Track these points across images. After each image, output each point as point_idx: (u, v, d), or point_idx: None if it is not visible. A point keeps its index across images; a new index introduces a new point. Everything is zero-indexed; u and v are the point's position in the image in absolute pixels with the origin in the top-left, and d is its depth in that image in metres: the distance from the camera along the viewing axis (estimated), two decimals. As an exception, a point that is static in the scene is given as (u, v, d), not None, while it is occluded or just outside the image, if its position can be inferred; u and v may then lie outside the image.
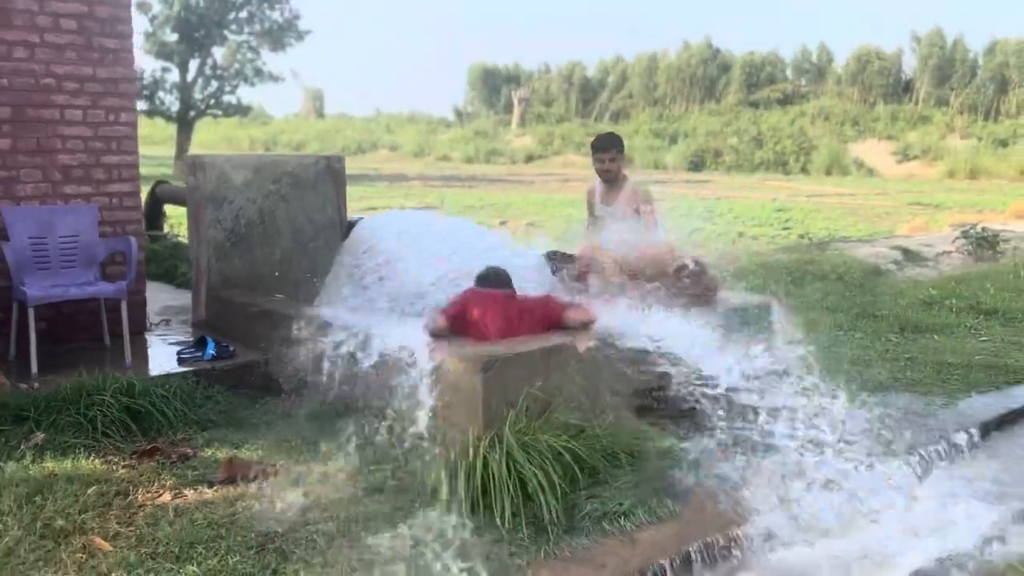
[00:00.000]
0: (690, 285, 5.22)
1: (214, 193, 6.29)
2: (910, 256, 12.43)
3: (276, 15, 35.54)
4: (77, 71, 5.91)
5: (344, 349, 4.77)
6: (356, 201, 22.46)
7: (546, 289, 5.33)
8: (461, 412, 4.18)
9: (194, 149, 41.65)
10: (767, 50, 56.67)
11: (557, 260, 5.79)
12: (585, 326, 4.65)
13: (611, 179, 5.91)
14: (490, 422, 4.03)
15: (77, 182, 5.99)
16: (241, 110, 37.70)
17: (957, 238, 12.82)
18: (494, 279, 4.85)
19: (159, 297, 7.71)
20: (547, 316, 4.70)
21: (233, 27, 35.27)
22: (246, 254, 6.46)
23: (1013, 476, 4.76)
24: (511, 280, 4.89)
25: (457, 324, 4.57)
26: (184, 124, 36.18)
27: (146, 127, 56.29)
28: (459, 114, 68.82)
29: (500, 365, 4.15)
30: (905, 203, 26.08)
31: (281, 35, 35.57)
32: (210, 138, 60.83)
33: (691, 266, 5.29)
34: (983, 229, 12.81)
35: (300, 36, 36.22)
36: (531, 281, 5.27)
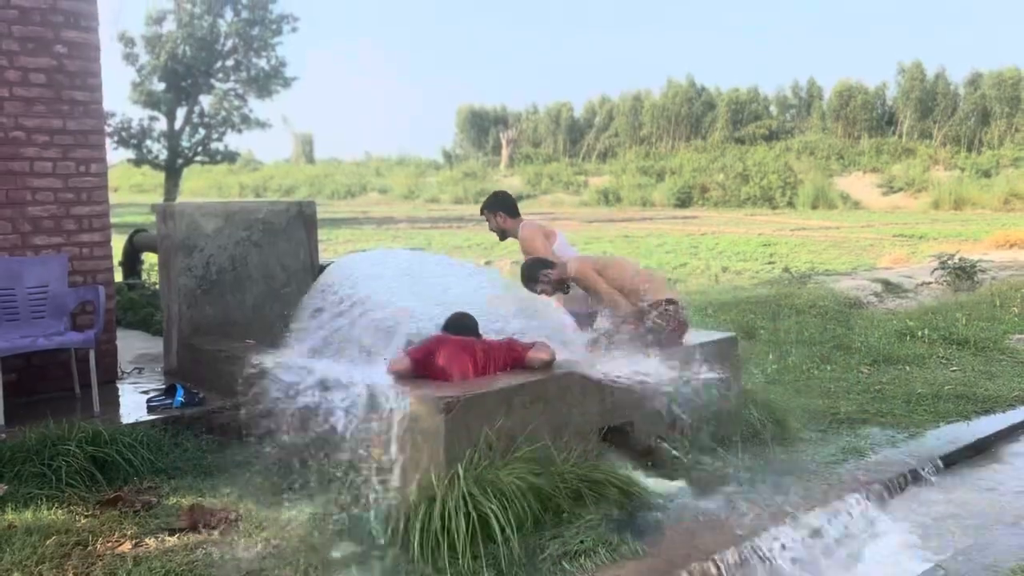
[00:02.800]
0: (663, 323, 5.25)
1: (184, 241, 6.33)
2: (890, 288, 12.50)
3: (262, 63, 35.92)
4: (47, 124, 5.97)
5: (308, 394, 4.79)
6: (343, 244, 22.58)
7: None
8: (423, 453, 4.20)
9: (184, 196, 41.80)
10: (750, 86, 57.04)
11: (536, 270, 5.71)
12: (547, 365, 4.70)
13: (502, 237, 6.37)
14: (452, 463, 4.04)
15: (47, 233, 6.03)
16: (229, 156, 37.95)
17: (936, 269, 12.91)
18: (460, 327, 4.88)
19: (135, 345, 7.72)
20: (510, 358, 4.74)
21: (220, 75, 35.61)
22: (217, 301, 6.48)
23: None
24: (477, 325, 4.94)
25: (422, 368, 4.60)
26: (172, 172, 36.36)
27: (136, 176, 56.75)
28: (448, 156, 69.20)
29: (462, 405, 4.17)
30: (890, 235, 26.26)
31: (267, 82, 35.92)
32: (200, 185, 61.13)
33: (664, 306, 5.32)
34: (960, 259, 12.90)
35: (287, 83, 36.59)
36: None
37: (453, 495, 3.81)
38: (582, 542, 3.83)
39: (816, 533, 4.26)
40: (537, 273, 5.63)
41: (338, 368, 4.88)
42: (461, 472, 3.91)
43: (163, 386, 5.97)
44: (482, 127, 67.23)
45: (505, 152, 62.87)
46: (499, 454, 4.17)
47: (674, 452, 4.94)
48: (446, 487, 3.86)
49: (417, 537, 3.68)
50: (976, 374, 7.12)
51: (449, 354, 4.62)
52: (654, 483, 4.55)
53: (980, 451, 5.49)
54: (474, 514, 3.75)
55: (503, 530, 3.73)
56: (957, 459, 5.29)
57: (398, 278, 5.72)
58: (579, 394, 4.69)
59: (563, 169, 56.38)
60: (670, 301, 5.32)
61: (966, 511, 4.65)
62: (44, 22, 5.94)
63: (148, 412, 5.41)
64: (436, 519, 3.74)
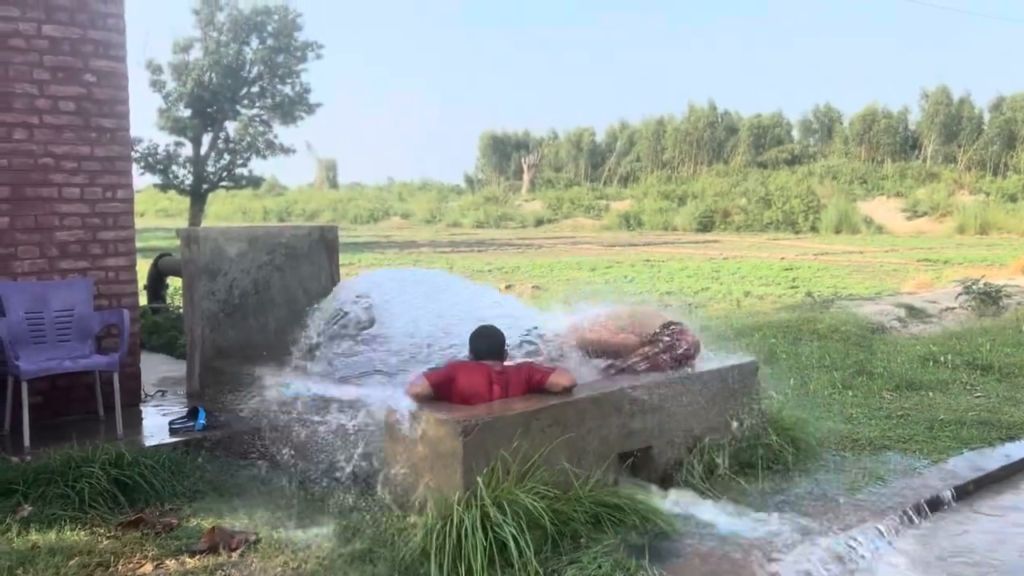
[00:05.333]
0: (667, 347, 5.25)
1: (208, 265, 6.41)
2: (914, 313, 12.37)
3: (287, 89, 36.23)
4: (75, 150, 6.09)
5: (329, 417, 4.82)
6: (365, 268, 22.67)
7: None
8: (442, 476, 4.21)
9: (210, 221, 42.13)
10: (773, 111, 56.88)
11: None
12: (567, 391, 4.70)
13: None
14: (470, 486, 4.06)
15: (74, 257, 6.13)
16: (253, 182, 38.17)
17: (960, 294, 12.77)
18: (486, 342, 4.85)
19: (159, 368, 7.80)
20: (529, 383, 4.75)
21: (245, 102, 35.96)
22: (240, 324, 6.55)
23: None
24: (504, 340, 4.91)
25: (441, 391, 4.62)
26: (197, 197, 36.68)
27: (162, 201, 57.39)
28: (470, 181, 69.43)
29: (480, 429, 4.19)
30: (914, 260, 26.03)
31: (292, 108, 36.17)
32: (225, 210, 61.68)
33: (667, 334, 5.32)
34: (985, 284, 12.76)
35: (311, 109, 36.83)
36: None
37: (471, 517, 3.82)
38: (600, 567, 3.82)
39: (839, 560, 4.22)
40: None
41: (354, 390, 4.91)
42: (482, 494, 3.92)
43: (186, 409, 6.03)
44: (504, 152, 67.45)
45: (527, 177, 63.00)
46: (517, 478, 4.18)
47: (693, 477, 4.92)
48: (464, 509, 3.87)
49: (434, 559, 3.69)
50: (1000, 400, 7.04)
51: (467, 378, 4.64)
52: (673, 508, 4.53)
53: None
54: (492, 537, 3.76)
55: (521, 553, 3.73)
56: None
57: (419, 301, 5.75)
58: (598, 418, 4.69)
59: (584, 193, 56.37)
60: (673, 322, 5.38)
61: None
62: (74, 51, 6.07)
63: (170, 435, 5.46)
64: (454, 541, 3.75)
